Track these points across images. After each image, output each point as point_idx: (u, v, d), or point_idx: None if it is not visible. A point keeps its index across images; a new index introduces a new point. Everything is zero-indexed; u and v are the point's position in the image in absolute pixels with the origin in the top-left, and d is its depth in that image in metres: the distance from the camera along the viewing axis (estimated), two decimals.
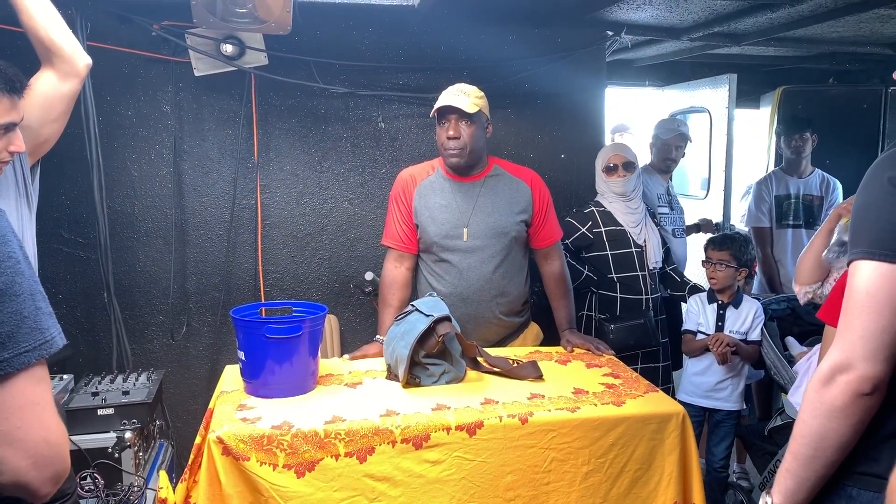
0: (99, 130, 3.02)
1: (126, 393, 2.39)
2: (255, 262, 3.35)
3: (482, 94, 2.69)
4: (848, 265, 1.28)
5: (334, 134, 3.38)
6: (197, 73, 3.05)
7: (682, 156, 4.01)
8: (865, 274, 1.23)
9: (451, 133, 2.63)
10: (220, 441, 1.89)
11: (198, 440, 2.31)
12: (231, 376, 2.36)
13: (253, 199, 3.32)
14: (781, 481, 1.35)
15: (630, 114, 6.38)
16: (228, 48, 3.02)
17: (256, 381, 2.17)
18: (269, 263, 3.38)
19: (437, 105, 2.63)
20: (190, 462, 2.31)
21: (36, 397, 0.94)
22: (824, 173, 4.26)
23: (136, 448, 2.33)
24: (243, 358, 2.18)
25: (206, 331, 3.36)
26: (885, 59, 4.32)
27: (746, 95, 5.07)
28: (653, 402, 2.19)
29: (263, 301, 3.32)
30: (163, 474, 2.33)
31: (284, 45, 3.12)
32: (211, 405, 2.34)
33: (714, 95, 4.41)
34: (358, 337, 3.45)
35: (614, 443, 2.08)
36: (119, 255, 3.20)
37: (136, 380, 2.54)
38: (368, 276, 3.11)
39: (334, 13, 3.16)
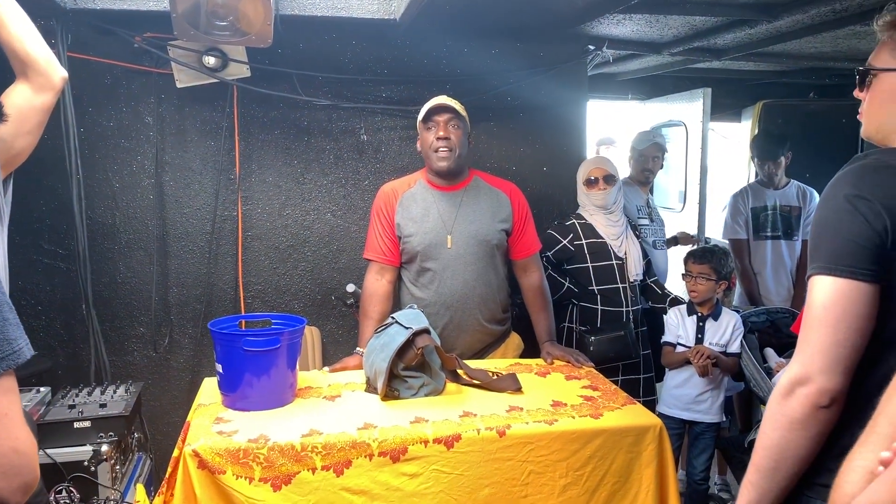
0: (80, 141, 3.01)
1: (103, 405, 2.38)
2: (237, 274, 3.34)
3: (463, 107, 2.74)
4: (807, 280, 1.30)
5: (317, 146, 3.39)
6: (179, 85, 3.05)
7: (661, 167, 4.04)
8: (823, 289, 1.25)
9: (441, 133, 2.66)
10: (196, 454, 1.88)
11: (175, 453, 2.29)
12: (209, 389, 2.35)
13: (234, 211, 3.32)
14: (745, 493, 1.36)
15: (615, 127, 6.44)
16: (211, 60, 3.02)
17: (234, 394, 2.17)
18: (250, 275, 3.37)
19: (428, 106, 2.66)
20: (167, 475, 2.29)
21: (3, 408, 0.94)
22: (800, 184, 4.29)
23: (112, 461, 2.31)
24: (221, 371, 2.17)
25: (186, 343, 3.34)
26: None
27: (728, 109, 5.12)
28: (630, 414, 2.20)
29: (244, 313, 3.32)
30: (140, 488, 2.32)
31: (267, 58, 3.13)
32: (189, 417, 2.33)
33: (690, 109, 4.45)
34: (340, 349, 3.45)
35: (592, 455, 2.09)
36: (99, 267, 3.18)
37: (114, 392, 2.53)
38: (350, 287, 3.12)
39: (317, 26, 3.17)
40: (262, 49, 2.95)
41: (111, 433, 2.32)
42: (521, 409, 2.18)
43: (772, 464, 1.30)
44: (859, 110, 1.46)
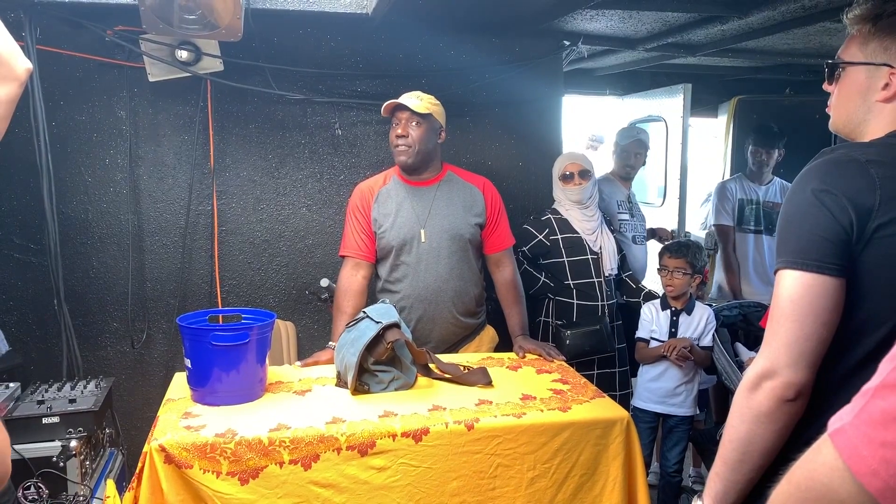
0: (51, 136, 2.98)
1: (73, 401, 2.36)
2: (211, 269, 3.33)
3: (438, 102, 2.76)
4: (774, 273, 1.32)
5: (292, 140, 3.38)
6: (151, 79, 3.03)
7: (643, 163, 4.06)
8: (789, 283, 1.26)
9: (399, 131, 2.70)
10: (163, 449, 1.88)
11: (146, 448, 2.29)
12: (179, 384, 2.35)
13: (209, 206, 3.30)
14: (711, 485, 1.37)
15: (602, 123, 6.46)
16: (184, 54, 3.00)
17: (203, 388, 2.16)
18: (225, 270, 3.36)
19: (387, 102, 2.68)
20: (137, 470, 2.29)
21: None
22: (783, 181, 4.34)
23: (82, 457, 2.30)
24: (189, 366, 2.17)
25: (160, 338, 3.33)
26: None
27: (704, 104, 5.15)
28: (598, 407, 2.21)
29: (220, 307, 3.31)
30: (110, 483, 2.31)
31: (241, 52, 3.11)
32: (159, 412, 2.32)
33: (670, 104, 4.47)
34: (315, 344, 3.44)
35: (559, 448, 2.10)
36: (72, 262, 3.16)
37: (84, 388, 2.51)
38: (324, 282, 3.11)
39: (291, 20, 3.16)
40: (236, 43, 2.94)
41: (80, 429, 2.30)
42: (491, 402, 2.20)
43: (738, 456, 1.31)
44: (828, 103, 1.48)
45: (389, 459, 1.98)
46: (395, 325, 2.27)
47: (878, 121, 1.36)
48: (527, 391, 2.31)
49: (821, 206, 1.25)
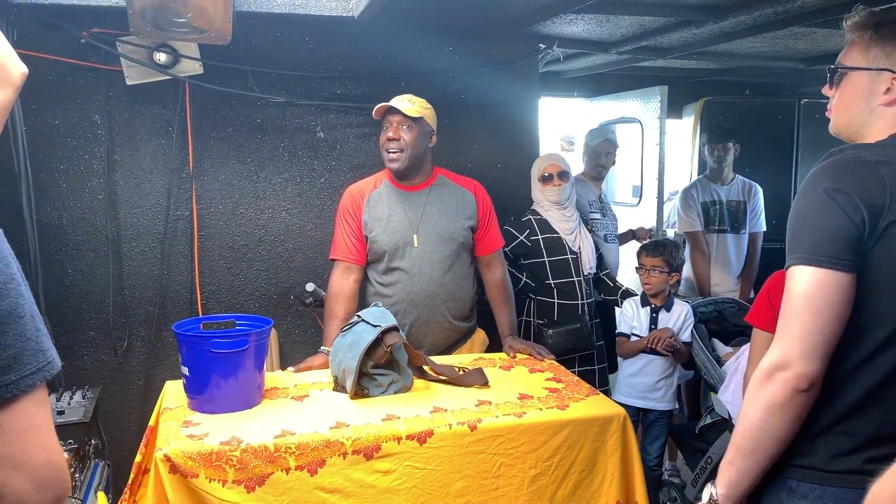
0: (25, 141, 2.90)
1: (61, 413, 2.31)
2: (191, 275, 3.28)
3: (429, 106, 2.76)
4: (786, 270, 1.37)
5: (271, 144, 3.35)
6: (129, 82, 2.97)
7: (613, 163, 4.14)
8: (803, 279, 1.31)
9: (390, 134, 2.68)
10: (168, 459, 1.86)
11: (138, 458, 2.26)
12: (173, 392, 2.31)
13: (188, 210, 3.25)
14: (725, 473, 1.42)
15: (573, 124, 6.54)
16: (162, 57, 2.95)
17: (201, 396, 2.14)
18: (204, 275, 3.31)
19: (379, 105, 2.67)
20: (130, 481, 2.26)
21: (39, 420, 0.93)
22: (745, 179, 4.47)
23: (72, 469, 2.25)
24: (187, 373, 2.14)
25: (139, 346, 3.27)
26: (798, 73, 4.57)
27: (669, 106, 5.25)
28: (595, 405, 2.26)
29: (200, 314, 3.26)
30: (101, 496, 2.27)
31: (219, 54, 3.08)
32: (152, 422, 2.29)
33: (645, 106, 4.56)
34: (297, 349, 3.42)
35: (559, 446, 2.14)
36: (47, 270, 3.07)
37: (71, 398, 2.45)
38: (309, 286, 3.09)
39: (270, 22, 3.13)
40: (216, 45, 2.91)
41: (70, 440, 2.25)
42: (490, 402, 2.22)
43: (751, 445, 1.35)
44: (828, 107, 1.53)
45: (394, 462, 1.99)
46: (395, 329, 2.28)
47: (881, 123, 1.42)
48: (523, 391, 2.34)
49: (834, 204, 1.30)
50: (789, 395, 1.31)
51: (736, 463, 1.40)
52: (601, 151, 4.04)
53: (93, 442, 2.57)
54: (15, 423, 0.92)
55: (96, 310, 3.18)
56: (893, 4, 1.73)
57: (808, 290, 1.31)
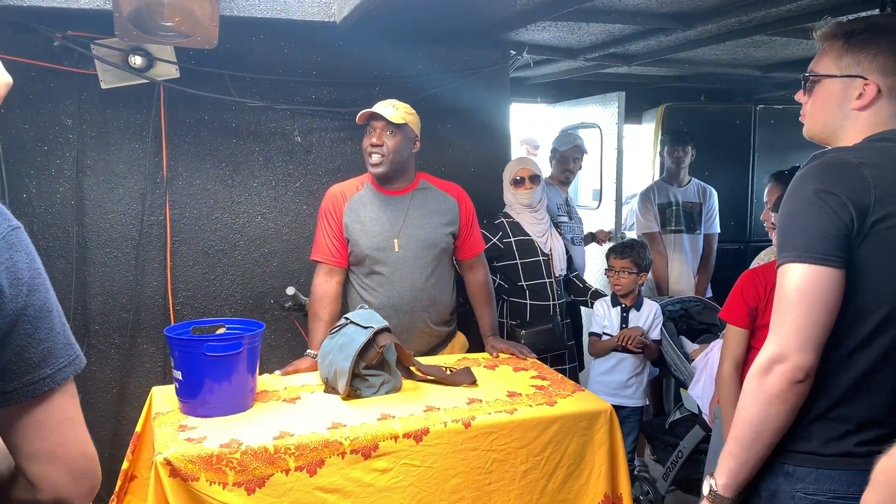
0: None
1: None
2: (165, 281, 3.24)
3: (413, 111, 2.78)
4: (777, 268, 1.45)
5: (246, 148, 3.34)
6: (104, 86, 2.93)
7: (580, 168, 4.24)
8: (797, 275, 1.39)
9: (374, 140, 2.69)
10: (168, 462, 1.85)
11: (125, 466, 2.24)
12: (162, 397, 2.29)
13: (162, 216, 3.22)
14: (724, 463, 1.49)
15: (535, 129, 6.64)
16: (137, 60, 2.92)
17: (194, 400, 2.13)
18: (179, 281, 3.28)
19: (363, 111, 2.69)
20: (117, 489, 2.25)
21: (72, 412, 0.95)
22: (700, 182, 4.64)
23: None
24: (180, 378, 2.13)
25: (113, 353, 3.21)
26: (753, 80, 4.76)
27: (629, 112, 5.38)
28: (582, 400, 2.32)
29: (173, 321, 3.22)
30: None
31: (194, 58, 3.06)
32: (138, 429, 2.27)
33: (604, 112, 4.68)
34: (273, 353, 3.41)
35: (549, 441, 2.19)
36: None
37: None
38: (290, 290, 3.09)
39: (245, 26, 3.12)
40: (191, 49, 2.90)
41: None
42: (481, 400, 2.27)
43: (752, 435, 1.43)
44: (801, 112, 1.62)
45: (392, 461, 2.02)
46: (386, 329, 2.31)
47: (855, 127, 1.51)
48: (511, 388, 2.39)
49: (824, 204, 1.38)
50: (787, 386, 1.38)
51: (736, 454, 1.46)
52: (570, 157, 4.13)
53: None
54: (51, 416, 0.94)
55: (67, 317, 3.10)
56: (858, 15, 1.85)
57: (802, 286, 1.38)
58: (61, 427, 0.94)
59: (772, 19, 2.97)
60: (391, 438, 2.02)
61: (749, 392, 1.44)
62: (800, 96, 1.63)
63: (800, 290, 1.38)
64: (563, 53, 3.87)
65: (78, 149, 3.08)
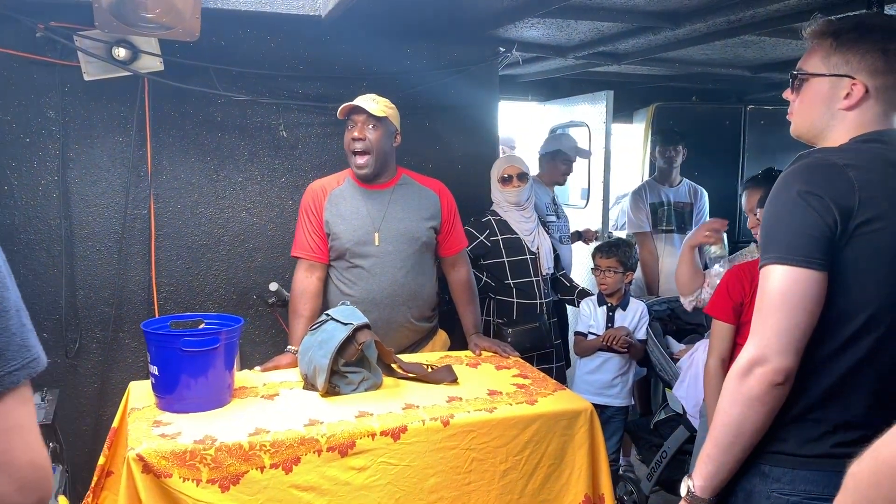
0: None
1: None
2: (148, 275, 3.22)
3: (393, 106, 2.77)
4: (760, 268, 1.43)
5: (231, 142, 3.32)
6: (87, 78, 2.90)
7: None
8: (778, 277, 1.38)
9: (356, 134, 2.67)
10: (141, 458, 1.83)
11: (101, 461, 2.22)
12: (139, 392, 2.27)
13: (145, 209, 3.19)
14: (702, 466, 1.47)
15: (514, 127, 6.61)
16: (121, 52, 2.89)
17: (170, 395, 2.11)
18: (162, 276, 3.25)
19: (344, 105, 2.67)
20: (93, 485, 2.22)
21: (23, 419, 0.89)
22: (691, 182, 4.63)
23: None
24: (156, 372, 2.11)
25: (94, 347, 3.19)
26: (743, 80, 4.75)
27: (620, 111, 5.39)
28: (563, 399, 2.31)
29: (157, 315, 3.20)
30: (62, 500, 2.23)
31: (180, 51, 3.03)
32: (115, 424, 2.25)
33: (592, 110, 4.67)
34: (257, 349, 3.39)
35: (529, 440, 2.18)
36: None
37: None
38: (273, 286, 3.07)
39: (232, 19, 3.10)
40: (175, 42, 2.87)
41: None
42: (461, 399, 2.25)
43: (731, 438, 1.41)
44: (789, 110, 1.60)
45: (369, 459, 2.01)
46: (366, 326, 2.29)
47: (842, 127, 1.50)
48: (492, 387, 2.38)
49: (807, 206, 1.37)
50: (766, 388, 1.37)
51: (714, 456, 1.44)
52: (572, 160, 4.13)
53: (51, 445, 2.51)
54: None
55: (49, 311, 3.10)
56: (849, 14, 1.83)
57: (784, 288, 1.37)
58: (8, 433, 0.88)
59: (760, 19, 2.96)
60: (368, 436, 2.01)
61: (728, 394, 1.43)
62: (787, 94, 1.61)
63: (781, 293, 1.37)
64: (553, 51, 3.86)
65: (61, 141, 3.04)
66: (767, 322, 1.38)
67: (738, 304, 2.29)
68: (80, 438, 3.18)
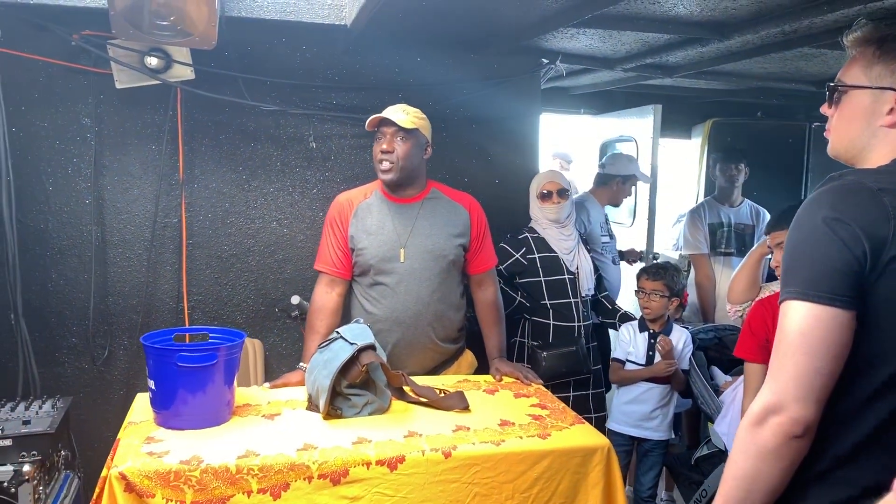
0: (11, 142, 2.85)
1: (27, 422, 2.23)
2: (177, 284, 3.21)
3: (424, 116, 2.66)
4: (780, 304, 1.27)
5: (263, 152, 3.29)
6: (119, 86, 2.92)
7: None
8: (799, 315, 1.21)
9: (384, 146, 2.58)
10: (123, 477, 1.78)
11: (104, 472, 2.17)
12: (142, 405, 2.24)
13: (176, 218, 3.19)
14: None
15: (570, 142, 6.45)
16: (153, 61, 2.90)
17: (167, 411, 2.06)
18: (191, 285, 3.24)
19: (372, 116, 2.59)
20: (95, 496, 2.17)
21: None
22: (753, 203, 4.37)
23: (35, 482, 2.17)
24: (153, 387, 2.06)
25: (122, 355, 3.19)
26: (809, 96, 4.46)
27: (678, 126, 5.18)
28: (578, 434, 2.15)
29: (187, 324, 3.19)
30: None
31: (213, 60, 3.02)
32: (119, 435, 2.21)
33: (640, 124, 4.47)
34: (284, 363, 3.34)
35: (539, 477, 2.03)
36: (30, 274, 3.02)
37: (40, 408, 2.38)
38: (295, 299, 3.02)
39: (266, 29, 3.08)
40: (208, 51, 2.85)
41: (34, 452, 2.17)
42: (468, 428, 2.12)
43: (742, 494, 1.25)
44: (826, 127, 1.43)
45: (363, 489, 1.90)
46: (371, 347, 2.19)
47: (883, 146, 1.32)
48: (505, 416, 2.24)
49: (833, 235, 1.20)
50: (782, 440, 1.21)
51: None
52: (633, 182, 3.99)
53: (62, 453, 2.50)
54: None
55: (79, 316, 3.12)
56: None
57: (804, 328, 1.21)
58: None
59: (818, 30, 2.75)
60: (363, 464, 1.90)
61: (740, 445, 1.27)
62: (825, 109, 1.44)
63: (801, 333, 1.21)
64: (599, 63, 3.70)
65: (95, 148, 3.07)
66: (785, 365, 1.22)
67: (762, 341, 2.11)
68: (105, 445, 3.15)
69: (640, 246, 4.47)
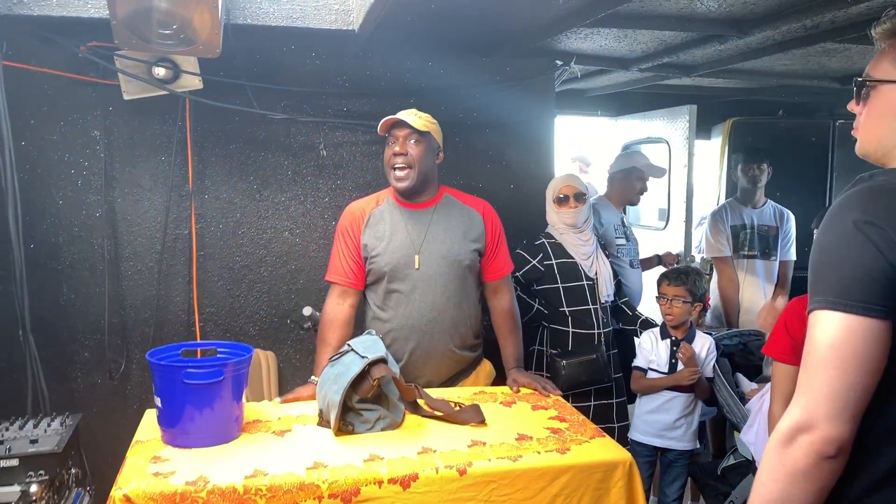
0: (20, 155, 2.82)
1: (34, 441, 2.18)
2: (188, 296, 3.17)
3: (436, 122, 2.62)
4: (808, 314, 1.19)
5: (274, 161, 3.24)
6: (126, 97, 2.89)
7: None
8: (830, 326, 1.13)
9: (397, 149, 2.53)
10: (128, 499, 1.73)
11: (113, 492, 2.13)
12: (149, 423, 2.19)
13: (186, 229, 3.15)
14: None
15: (589, 145, 6.36)
16: (161, 71, 2.86)
17: (174, 429, 2.01)
18: (203, 297, 3.20)
19: (385, 119, 2.53)
20: None
21: None
22: (776, 204, 4.25)
23: (43, 502, 2.13)
24: (160, 404, 2.01)
25: (134, 369, 3.16)
26: (833, 93, 4.34)
27: (698, 126, 5.06)
28: (599, 448, 2.07)
29: (198, 337, 3.14)
30: None
31: (221, 69, 2.98)
32: (127, 454, 2.16)
33: (672, 126, 4.37)
34: (298, 375, 3.29)
35: (558, 493, 1.96)
36: (41, 288, 2.98)
37: (49, 426, 2.33)
38: (307, 311, 2.96)
39: (274, 36, 3.03)
40: (216, 60, 2.81)
41: (42, 472, 2.12)
42: (485, 443, 2.05)
43: None
44: (854, 125, 1.35)
45: None
46: (382, 361, 2.12)
47: None
48: (522, 430, 2.16)
49: (865, 239, 1.12)
50: (814, 461, 1.13)
51: None
52: (646, 177, 3.87)
53: (72, 471, 2.45)
54: None
55: (91, 331, 3.09)
56: None
57: (836, 340, 1.12)
58: None
59: (841, 24, 2.65)
60: (375, 483, 1.83)
61: (768, 466, 1.18)
62: (852, 106, 1.36)
63: (832, 345, 1.13)
64: (615, 63, 3.62)
65: (105, 160, 3.04)
66: (816, 380, 1.13)
67: (798, 343, 2.00)
68: (117, 460, 3.11)
69: (676, 249, 4.37)
